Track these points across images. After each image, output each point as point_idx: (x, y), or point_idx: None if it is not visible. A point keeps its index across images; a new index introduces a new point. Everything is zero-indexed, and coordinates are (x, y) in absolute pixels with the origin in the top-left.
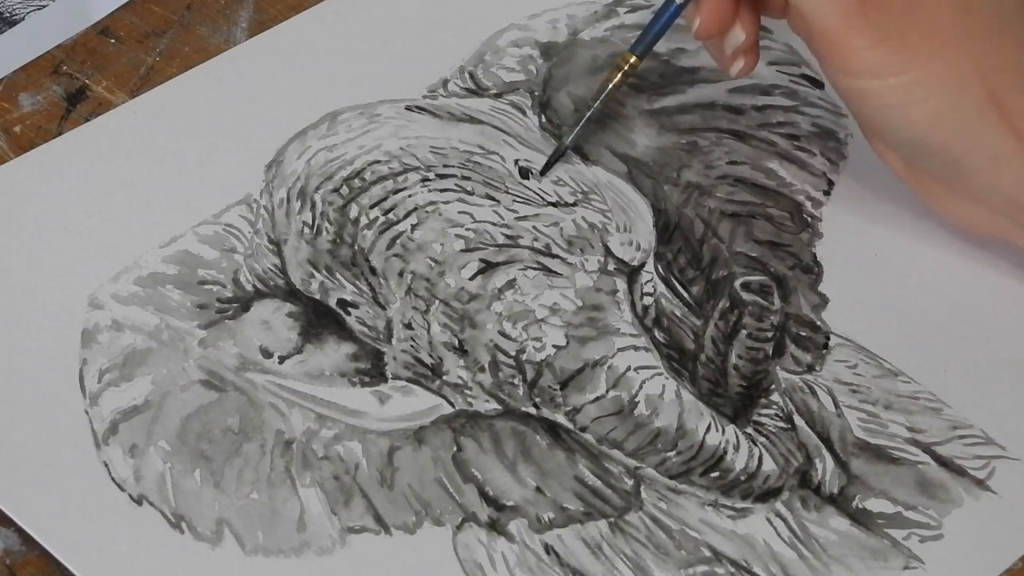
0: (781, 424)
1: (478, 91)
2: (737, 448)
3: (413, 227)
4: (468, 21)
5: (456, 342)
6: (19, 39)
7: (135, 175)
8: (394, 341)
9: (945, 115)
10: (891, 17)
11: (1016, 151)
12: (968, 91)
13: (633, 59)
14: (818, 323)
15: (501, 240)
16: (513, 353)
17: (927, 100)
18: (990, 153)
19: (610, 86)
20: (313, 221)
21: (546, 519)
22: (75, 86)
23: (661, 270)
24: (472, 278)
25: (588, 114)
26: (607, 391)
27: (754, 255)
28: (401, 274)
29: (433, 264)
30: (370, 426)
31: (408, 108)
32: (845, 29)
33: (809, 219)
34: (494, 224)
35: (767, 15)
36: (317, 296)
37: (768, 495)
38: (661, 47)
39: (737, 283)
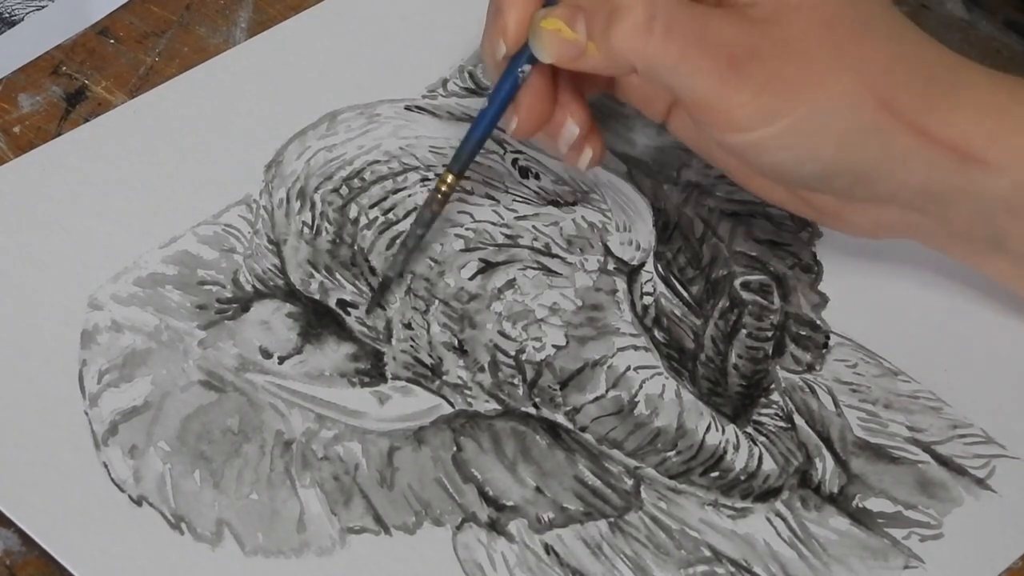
0: (781, 423)
1: (478, 90)
2: (737, 448)
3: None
4: (467, 21)
5: (456, 342)
6: (18, 39)
7: (134, 175)
8: (394, 341)
9: (845, 136)
10: (764, 62)
11: (919, 145)
12: (859, 105)
13: (451, 178)
14: (818, 322)
15: (501, 240)
16: (513, 353)
17: (824, 128)
18: (895, 155)
19: (429, 213)
20: (313, 221)
21: (546, 519)
22: (74, 86)
23: (661, 269)
24: (472, 278)
25: (410, 245)
26: (607, 391)
27: (754, 254)
28: (401, 274)
29: (433, 264)
30: (370, 426)
31: (408, 108)
32: (723, 91)
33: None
34: (494, 224)
35: (592, 92)
36: (317, 296)
37: (768, 495)
38: None
39: (737, 282)
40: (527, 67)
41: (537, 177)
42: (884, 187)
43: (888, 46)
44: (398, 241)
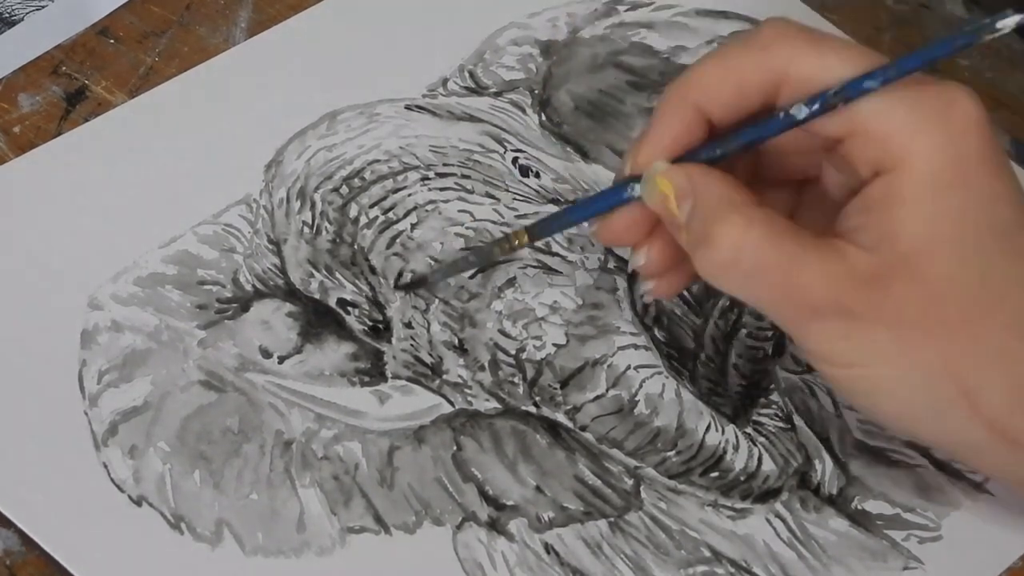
0: (781, 424)
1: (478, 90)
2: (737, 448)
3: (413, 226)
4: (468, 20)
5: (456, 341)
6: (18, 39)
7: (134, 175)
8: (394, 340)
9: (912, 408)
10: (851, 320)
11: (993, 443)
12: (937, 388)
13: (526, 239)
14: None
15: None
16: (513, 352)
17: (892, 394)
18: (962, 443)
19: (494, 252)
20: (313, 221)
21: (546, 518)
22: (74, 86)
23: None
24: (472, 276)
25: (460, 268)
26: (607, 390)
27: None
28: (401, 273)
29: (433, 263)
30: (370, 426)
31: (408, 107)
32: (800, 331)
33: None
34: (494, 222)
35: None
36: (317, 296)
37: (768, 495)
38: (661, 45)
39: None
40: (638, 189)
41: (537, 176)
42: (962, 459)
43: (996, 338)
44: (398, 241)
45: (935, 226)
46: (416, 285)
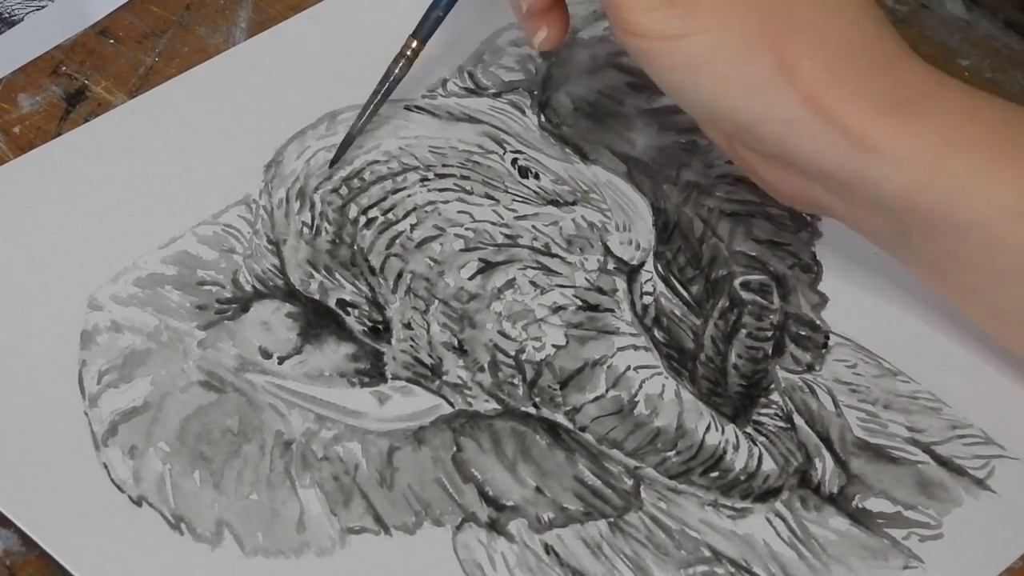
0: (781, 423)
1: (477, 91)
2: (737, 448)
3: (412, 227)
4: (467, 21)
5: (456, 342)
6: (18, 39)
7: (134, 176)
8: (393, 341)
9: (731, 79)
10: None
11: (808, 118)
12: (756, 55)
13: (415, 44)
14: (817, 322)
15: (500, 239)
16: (513, 353)
17: (711, 63)
18: (781, 118)
19: (395, 72)
20: (312, 221)
21: (546, 519)
22: (74, 86)
23: (661, 269)
24: (471, 278)
25: (375, 100)
26: (607, 391)
27: (753, 254)
28: (400, 274)
29: (432, 264)
30: (370, 426)
31: (407, 108)
32: (626, 2)
33: (808, 218)
34: (493, 223)
35: None
36: (316, 296)
37: (768, 495)
38: None
39: (736, 282)
40: None
41: (537, 177)
42: (772, 149)
43: (810, 11)
44: (398, 242)
45: None
46: (343, 149)
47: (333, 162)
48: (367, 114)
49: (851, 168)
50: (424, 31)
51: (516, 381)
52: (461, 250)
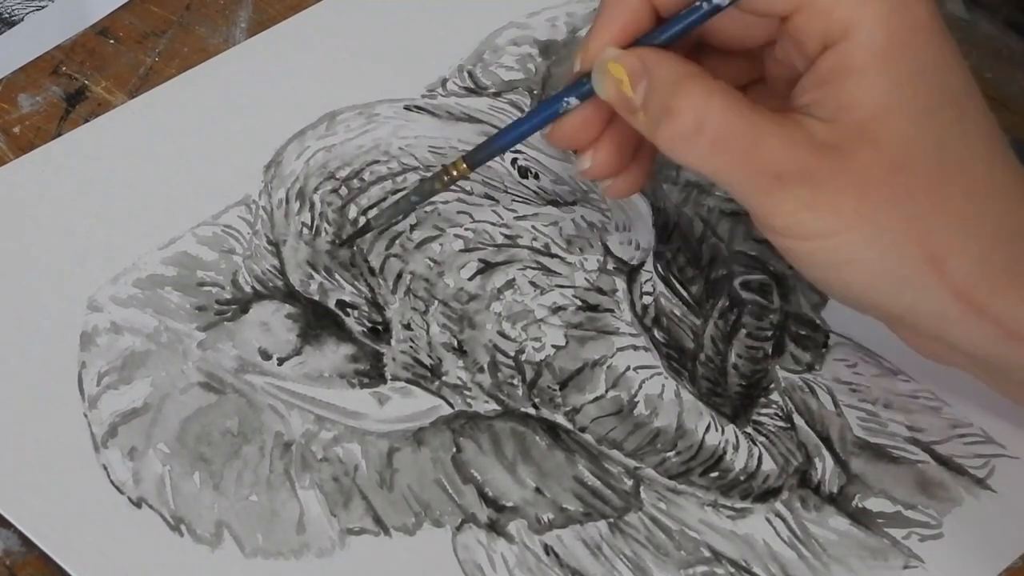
0: (781, 423)
1: (477, 90)
2: (736, 448)
3: (412, 227)
4: (467, 20)
5: (455, 343)
6: (18, 40)
7: (134, 176)
8: (393, 342)
9: (879, 276)
10: (814, 185)
11: (960, 311)
12: (904, 253)
13: (463, 167)
14: (817, 322)
15: (500, 240)
16: (512, 353)
17: (858, 263)
18: (931, 312)
19: (431, 187)
20: (312, 222)
21: (546, 520)
22: (74, 87)
23: (660, 269)
24: (471, 278)
25: (402, 208)
26: (606, 391)
27: (753, 254)
28: (400, 275)
29: (432, 264)
30: (369, 427)
31: (407, 108)
32: (765, 201)
33: None
34: (493, 224)
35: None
36: (316, 297)
37: (768, 495)
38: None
39: (736, 282)
40: (573, 100)
41: (536, 177)
42: (925, 331)
43: (960, 205)
44: (398, 242)
45: (888, 93)
46: (360, 233)
47: (344, 243)
48: (388, 216)
49: (1006, 356)
50: (477, 159)
51: (516, 382)
52: (461, 250)
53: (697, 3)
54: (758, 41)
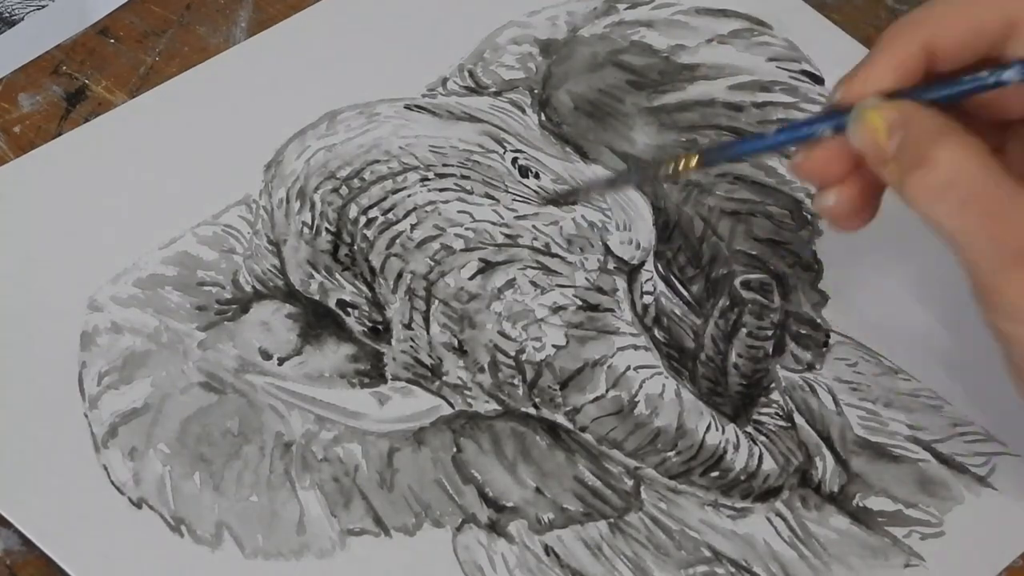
0: (781, 423)
1: (477, 89)
2: (737, 447)
3: (412, 227)
4: (467, 19)
5: (456, 342)
6: (18, 39)
7: (134, 176)
8: (393, 342)
9: None
10: None
11: None
12: None
13: (695, 162)
14: (818, 321)
15: (500, 239)
16: (513, 353)
17: None
18: None
19: (652, 173)
20: (312, 221)
21: (546, 520)
22: (75, 86)
23: (661, 269)
24: (472, 278)
25: (606, 183)
26: (607, 391)
27: (754, 253)
28: (400, 274)
29: (432, 264)
30: (369, 427)
31: (407, 107)
32: (998, 275)
33: (809, 216)
34: (493, 223)
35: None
36: (316, 297)
37: (768, 494)
38: (661, 44)
39: (737, 281)
40: (828, 131)
41: (537, 176)
42: None
43: None
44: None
45: None
46: (568, 196)
47: (551, 201)
48: (587, 190)
49: None
50: (713, 158)
51: (516, 381)
52: (461, 250)
53: (982, 73)
54: (1013, 115)
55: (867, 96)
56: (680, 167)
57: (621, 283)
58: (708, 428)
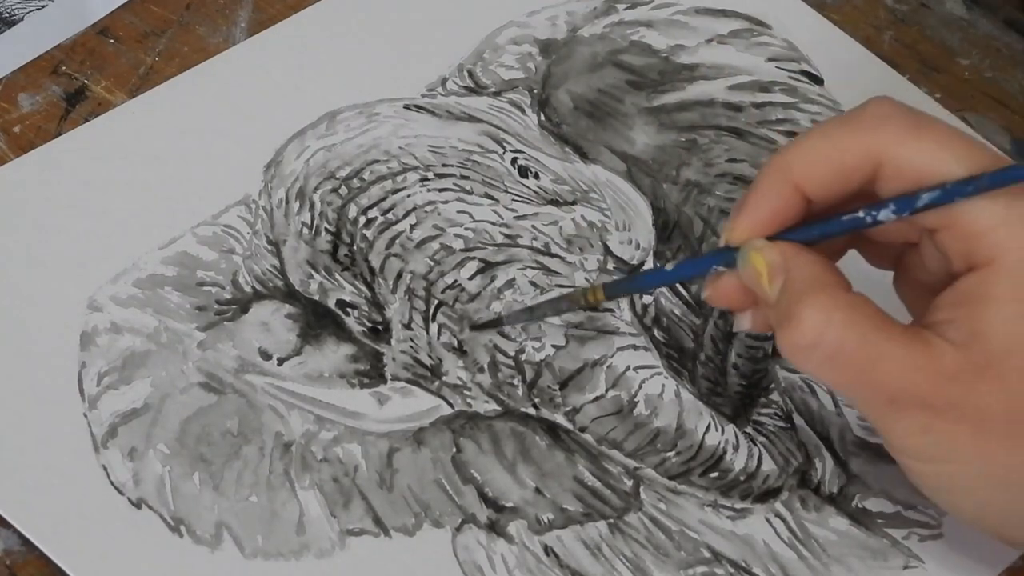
0: (780, 423)
1: (477, 89)
2: (736, 448)
3: (412, 227)
4: (467, 19)
5: (455, 342)
6: (18, 39)
7: (134, 176)
8: (393, 342)
9: (990, 511)
10: (932, 414)
11: None
12: (1019, 491)
13: (600, 296)
14: None
15: (500, 240)
16: (512, 353)
17: (970, 493)
18: None
19: (566, 306)
20: (312, 221)
21: (545, 520)
22: (74, 86)
23: None
24: (471, 278)
25: (535, 317)
26: (606, 391)
27: None
28: (400, 274)
29: (432, 264)
30: (369, 428)
31: (407, 107)
32: (880, 419)
33: None
34: (493, 223)
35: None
36: (316, 297)
37: (767, 495)
38: (660, 44)
39: None
40: (721, 268)
41: (536, 176)
42: None
43: None
44: (398, 242)
45: (1022, 330)
46: (490, 325)
47: (475, 327)
48: (522, 320)
49: None
50: (613, 292)
51: (516, 382)
52: (461, 250)
53: (859, 214)
54: (901, 239)
55: (752, 238)
56: (588, 300)
57: None
58: (708, 428)
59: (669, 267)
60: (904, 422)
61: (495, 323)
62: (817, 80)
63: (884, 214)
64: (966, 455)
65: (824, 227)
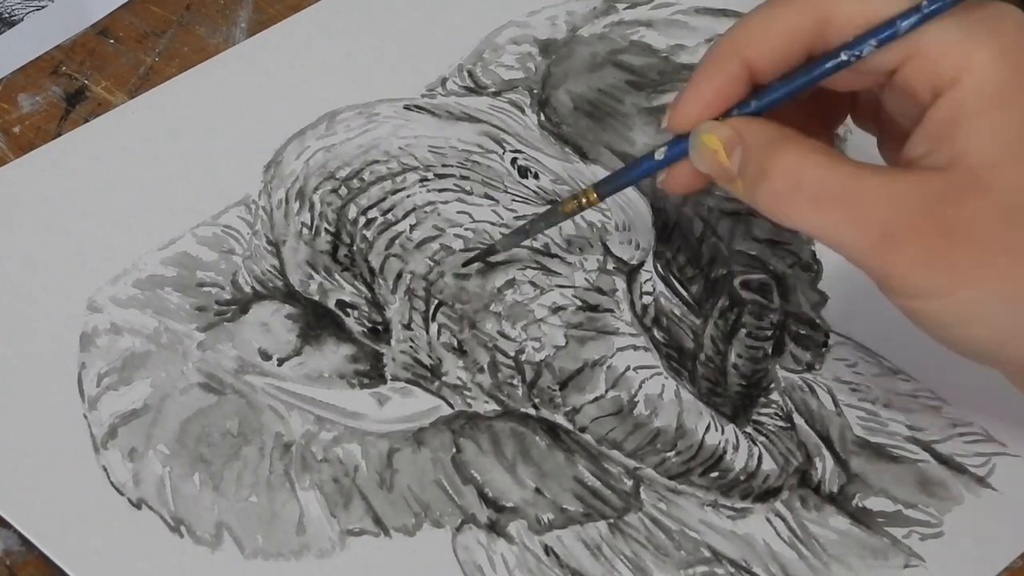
0: (781, 423)
1: (477, 89)
2: (736, 448)
3: (412, 227)
4: (467, 19)
5: (455, 343)
6: (18, 40)
7: (134, 176)
8: (393, 342)
9: (1008, 330)
10: (925, 242)
11: None
12: None
13: (594, 196)
14: (817, 321)
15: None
16: (512, 353)
17: (985, 319)
18: None
19: (561, 214)
20: (312, 222)
21: (545, 520)
22: (74, 86)
23: (660, 269)
24: (471, 277)
25: (528, 230)
26: (606, 391)
27: (753, 253)
28: (400, 274)
29: (432, 264)
30: (369, 428)
31: (407, 107)
32: (875, 260)
33: None
34: (493, 224)
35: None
36: (316, 297)
37: (768, 495)
38: (660, 44)
39: (736, 281)
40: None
41: (536, 177)
42: None
43: None
44: (397, 242)
45: (1003, 137)
46: (483, 256)
47: (468, 262)
48: (512, 240)
49: None
50: (605, 190)
51: (516, 382)
52: (461, 250)
53: (839, 57)
54: (861, 86)
55: (698, 123)
56: (582, 202)
57: (620, 283)
58: (708, 428)
59: (659, 155)
60: (904, 260)
61: (488, 252)
62: None
63: (866, 49)
64: (970, 279)
65: (766, 95)
